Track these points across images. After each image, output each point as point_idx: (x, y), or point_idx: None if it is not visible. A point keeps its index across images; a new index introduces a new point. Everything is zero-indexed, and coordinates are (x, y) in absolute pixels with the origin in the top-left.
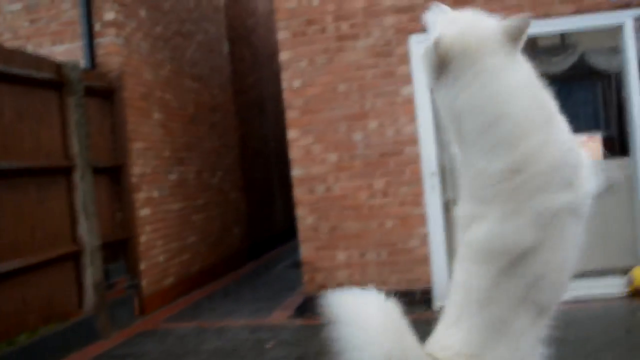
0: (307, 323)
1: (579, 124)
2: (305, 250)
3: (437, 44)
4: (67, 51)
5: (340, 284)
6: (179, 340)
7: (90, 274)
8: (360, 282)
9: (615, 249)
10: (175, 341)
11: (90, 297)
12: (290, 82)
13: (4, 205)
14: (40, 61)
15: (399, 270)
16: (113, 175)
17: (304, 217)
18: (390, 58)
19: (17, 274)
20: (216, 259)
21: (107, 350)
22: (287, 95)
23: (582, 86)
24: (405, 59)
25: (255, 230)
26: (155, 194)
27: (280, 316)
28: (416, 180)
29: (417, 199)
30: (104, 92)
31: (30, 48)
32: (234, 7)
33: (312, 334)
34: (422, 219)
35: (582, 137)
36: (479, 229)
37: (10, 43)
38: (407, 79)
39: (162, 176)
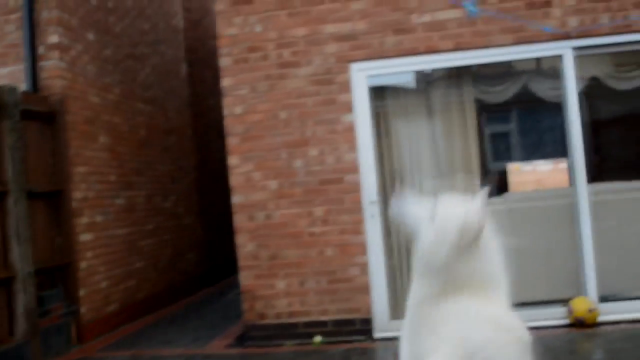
0: (242, 352)
1: (545, 151)
2: (245, 279)
3: (467, 229)
4: (10, 74)
5: (279, 313)
6: None
7: (22, 301)
8: (300, 311)
9: (558, 279)
10: None
11: (21, 324)
12: (231, 108)
13: None
14: None
15: (338, 299)
16: (52, 200)
17: (244, 245)
18: (331, 86)
19: None
20: (166, 285)
21: None
22: (228, 122)
23: (547, 112)
24: (346, 86)
25: (212, 255)
26: (99, 218)
27: (218, 345)
28: (356, 208)
29: (357, 227)
30: (44, 116)
31: None
32: (194, 29)
33: None
34: (362, 247)
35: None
36: None
37: None
38: (348, 107)
39: (107, 200)
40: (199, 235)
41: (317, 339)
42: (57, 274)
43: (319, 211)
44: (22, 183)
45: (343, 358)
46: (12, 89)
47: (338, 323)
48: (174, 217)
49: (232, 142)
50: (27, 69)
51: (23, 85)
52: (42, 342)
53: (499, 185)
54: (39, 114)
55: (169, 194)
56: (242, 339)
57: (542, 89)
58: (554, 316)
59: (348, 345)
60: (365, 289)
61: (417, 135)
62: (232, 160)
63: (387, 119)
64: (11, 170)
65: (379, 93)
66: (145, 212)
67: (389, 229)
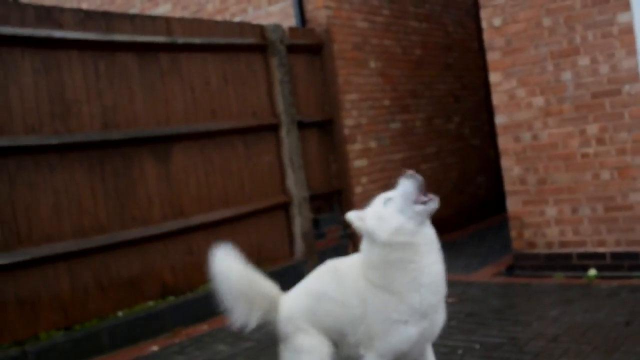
0: (506, 281)
1: None
2: (512, 204)
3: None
4: (281, 10)
5: (549, 242)
6: None
7: (299, 223)
8: (573, 241)
9: None
10: None
11: (299, 245)
12: (490, 20)
13: (214, 162)
14: (243, 27)
15: (617, 229)
16: (324, 129)
17: (510, 168)
18: None
19: (227, 222)
20: (451, 210)
21: None
22: (487, 35)
23: None
24: None
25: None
26: (373, 144)
27: (486, 273)
28: (637, 124)
29: (638, 147)
30: (311, 48)
31: (250, 8)
32: None
33: (502, 292)
34: None
35: None
36: None
37: (233, 6)
38: (624, 5)
39: (381, 126)
40: (490, 158)
41: (592, 272)
42: (332, 199)
43: (592, 129)
44: (293, 114)
45: (610, 295)
46: (276, 27)
47: (617, 256)
48: (459, 139)
49: (492, 57)
50: (295, 4)
51: (292, 21)
52: (319, 262)
53: None
54: (305, 47)
55: (452, 114)
56: (512, 269)
57: None
58: None
59: (623, 282)
60: None
61: None
62: (494, 77)
63: None
64: (282, 103)
65: None
66: (424, 135)
67: None
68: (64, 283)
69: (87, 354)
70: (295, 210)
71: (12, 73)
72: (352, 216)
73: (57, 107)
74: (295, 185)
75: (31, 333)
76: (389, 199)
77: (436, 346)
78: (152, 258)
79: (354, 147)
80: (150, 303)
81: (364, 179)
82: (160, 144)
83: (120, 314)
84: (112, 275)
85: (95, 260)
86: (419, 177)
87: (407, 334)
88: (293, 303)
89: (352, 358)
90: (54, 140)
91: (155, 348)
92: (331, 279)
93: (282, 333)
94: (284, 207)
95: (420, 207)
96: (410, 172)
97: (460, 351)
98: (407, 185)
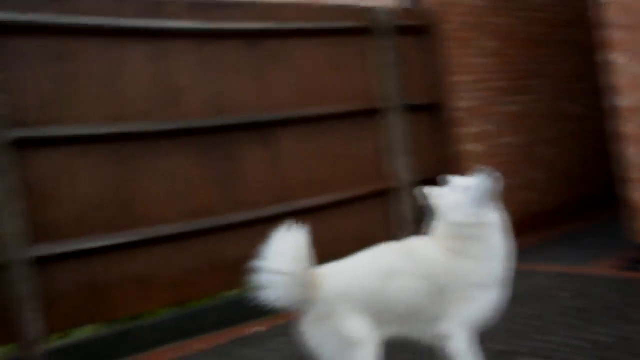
0: (623, 276)
1: None
2: (633, 193)
3: None
4: None
5: None
6: None
7: (406, 210)
8: None
9: None
10: None
11: (409, 230)
12: None
13: (320, 147)
14: (350, 11)
15: None
16: (434, 112)
17: (630, 154)
18: None
19: (331, 207)
20: (573, 197)
21: None
22: (606, 11)
23: None
24: None
25: None
26: (486, 127)
27: (602, 266)
28: None
29: None
30: (420, 29)
31: None
32: None
33: (619, 287)
34: None
35: None
36: None
37: None
38: None
39: (495, 108)
40: (610, 142)
41: None
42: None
43: None
44: (401, 97)
45: None
46: (384, 9)
47: None
48: (584, 122)
49: (612, 34)
50: None
51: (399, 1)
52: None
53: None
54: (414, 28)
55: (577, 95)
56: (633, 262)
57: None
58: None
59: None
60: None
61: None
62: (614, 56)
63: None
64: (389, 86)
65: None
66: (545, 118)
67: None
68: (175, 262)
69: (194, 331)
70: (402, 196)
71: (127, 62)
72: (428, 192)
73: (166, 94)
74: (403, 170)
75: (146, 308)
76: (465, 187)
77: (541, 342)
78: (260, 240)
79: (467, 131)
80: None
81: (476, 164)
82: (267, 128)
83: (229, 293)
84: (220, 256)
85: (205, 242)
86: (496, 175)
87: (488, 299)
88: (350, 281)
89: (418, 337)
90: (166, 126)
91: (262, 328)
92: (403, 256)
93: (323, 313)
94: (390, 193)
95: (490, 206)
96: (488, 169)
97: (567, 349)
98: (483, 180)
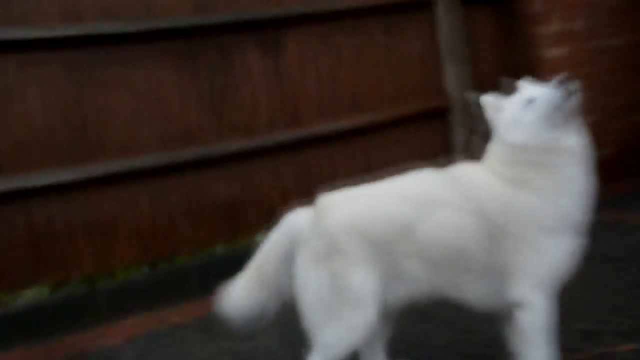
0: None
1: None
2: None
3: None
4: None
5: None
6: None
7: (461, 134)
8: None
9: None
10: None
11: (459, 157)
12: None
13: (341, 53)
14: None
15: None
16: (501, 5)
17: None
18: None
19: (357, 133)
20: None
21: None
22: None
23: None
24: None
25: None
26: (577, 25)
27: None
28: None
29: None
30: None
31: None
32: None
33: None
34: None
35: None
36: None
37: None
38: None
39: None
40: None
41: None
42: None
43: None
44: None
45: None
46: None
47: None
48: None
49: None
50: None
51: None
52: None
53: None
54: None
55: None
56: None
57: None
58: None
59: None
60: None
61: None
62: None
63: None
64: None
65: None
66: None
67: None
68: (144, 208)
69: (172, 298)
70: (455, 117)
71: None
72: (488, 101)
73: None
74: (457, 84)
75: (104, 269)
76: (530, 100)
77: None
78: (258, 178)
79: (548, 30)
80: (256, 236)
81: (563, 74)
82: (269, 29)
83: (216, 249)
84: (206, 199)
85: (185, 180)
86: (575, 85)
87: (560, 247)
88: (365, 210)
89: (458, 298)
90: (132, 27)
91: None
92: (446, 183)
93: (320, 252)
94: (441, 114)
95: (567, 127)
96: (565, 76)
97: None
98: (556, 92)
